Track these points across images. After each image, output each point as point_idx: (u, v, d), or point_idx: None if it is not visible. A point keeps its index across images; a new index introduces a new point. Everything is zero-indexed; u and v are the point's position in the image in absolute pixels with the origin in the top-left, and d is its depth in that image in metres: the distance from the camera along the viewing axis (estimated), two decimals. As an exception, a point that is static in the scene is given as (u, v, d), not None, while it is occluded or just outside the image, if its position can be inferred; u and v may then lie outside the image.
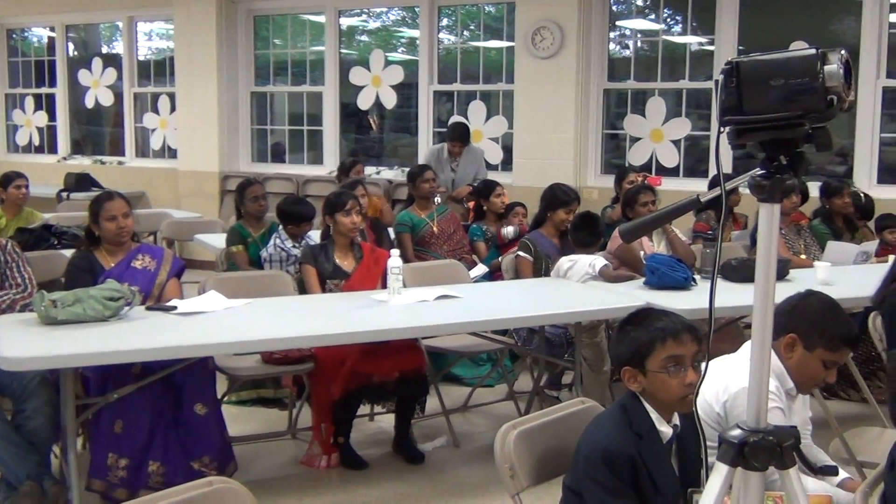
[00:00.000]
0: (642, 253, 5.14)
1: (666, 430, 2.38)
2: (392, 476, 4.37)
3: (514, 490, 2.44)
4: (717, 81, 1.55)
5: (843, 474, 2.80)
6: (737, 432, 1.61)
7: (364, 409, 4.83)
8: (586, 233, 5.18)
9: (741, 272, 4.46)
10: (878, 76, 7.29)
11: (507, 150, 8.64)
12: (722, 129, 1.58)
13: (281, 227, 5.52)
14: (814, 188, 6.71)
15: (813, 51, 1.47)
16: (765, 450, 1.58)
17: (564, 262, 5.00)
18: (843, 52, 1.49)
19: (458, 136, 7.67)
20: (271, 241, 5.46)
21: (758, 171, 1.58)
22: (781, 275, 4.84)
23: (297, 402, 4.87)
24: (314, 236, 5.51)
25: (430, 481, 4.34)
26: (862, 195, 6.64)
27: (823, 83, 1.47)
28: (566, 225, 5.43)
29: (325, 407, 4.37)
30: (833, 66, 1.47)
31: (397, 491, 4.22)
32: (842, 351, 2.71)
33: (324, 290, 4.65)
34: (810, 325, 2.69)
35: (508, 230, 6.14)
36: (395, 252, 4.32)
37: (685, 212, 1.72)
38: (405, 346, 4.45)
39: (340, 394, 4.29)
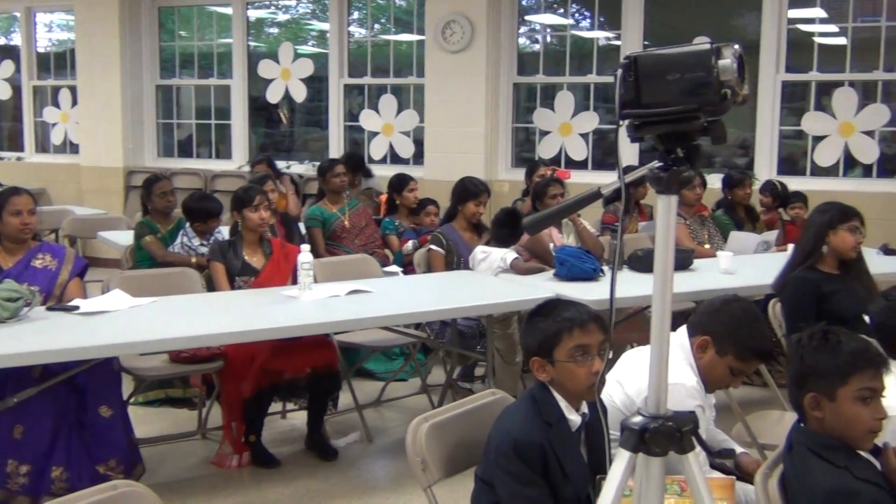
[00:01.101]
0: (552, 245, 5.21)
1: (575, 418, 2.41)
2: (305, 473, 4.34)
3: (427, 483, 2.45)
4: (615, 75, 1.57)
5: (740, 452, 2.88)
6: (638, 419, 1.64)
7: (276, 406, 4.79)
8: (508, 232, 5.19)
9: (647, 262, 4.55)
10: (777, 70, 7.53)
11: (419, 143, 8.65)
12: (621, 123, 1.60)
13: (188, 224, 5.41)
14: (718, 180, 6.90)
15: (707, 46, 1.50)
16: (665, 435, 1.62)
17: (478, 252, 5.04)
18: (736, 47, 1.52)
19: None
20: (178, 239, 5.36)
21: (656, 164, 1.61)
22: (686, 264, 4.98)
23: (207, 401, 4.79)
24: (224, 232, 5.42)
25: (343, 477, 4.32)
26: (778, 184, 6.87)
27: (718, 77, 1.50)
28: (478, 217, 5.47)
29: (235, 405, 4.31)
30: (727, 61, 1.50)
31: (310, 488, 4.19)
32: (751, 362, 2.75)
33: (233, 288, 4.58)
34: (726, 331, 2.72)
35: (408, 245, 6.14)
36: (306, 247, 4.27)
37: (587, 204, 1.74)
38: (317, 342, 4.42)
39: (251, 392, 4.24)
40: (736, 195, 6.59)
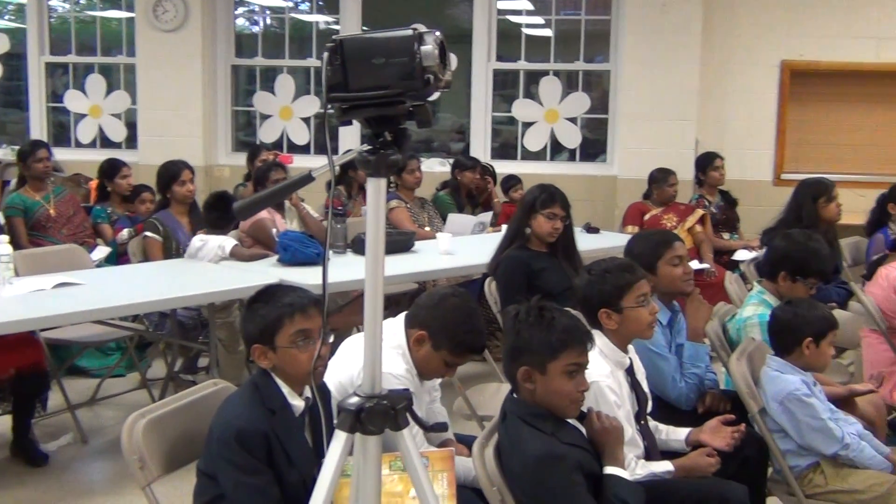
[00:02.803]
0: (275, 230, 5.16)
1: (298, 403, 2.41)
2: (12, 482, 4.03)
3: (145, 481, 2.35)
4: (322, 59, 1.57)
5: (451, 432, 2.99)
6: (354, 399, 1.66)
7: (-25, 412, 4.40)
8: (217, 215, 5.06)
9: (369, 245, 4.62)
10: (489, 59, 7.91)
11: (132, 126, 8.25)
12: (330, 107, 1.61)
13: None
14: (436, 164, 7.16)
15: (410, 32, 1.54)
16: (380, 414, 1.64)
17: (196, 241, 4.90)
18: (437, 33, 1.56)
19: None
20: None
21: (365, 147, 1.63)
22: (407, 247, 5.12)
23: None
24: None
25: (55, 483, 4.06)
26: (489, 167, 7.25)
27: (420, 63, 1.53)
28: (190, 198, 5.32)
29: (-75, 415, 3.92)
30: (429, 47, 1.54)
31: (18, 497, 3.90)
32: (465, 357, 2.83)
33: (-83, 285, 4.14)
34: (441, 326, 2.76)
35: (123, 234, 5.84)
36: (4, 238, 3.97)
37: (298, 188, 1.73)
38: (20, 340, 4.10)
39: (-56, 398, 3.87)
40: (465, 177, 6.85)
